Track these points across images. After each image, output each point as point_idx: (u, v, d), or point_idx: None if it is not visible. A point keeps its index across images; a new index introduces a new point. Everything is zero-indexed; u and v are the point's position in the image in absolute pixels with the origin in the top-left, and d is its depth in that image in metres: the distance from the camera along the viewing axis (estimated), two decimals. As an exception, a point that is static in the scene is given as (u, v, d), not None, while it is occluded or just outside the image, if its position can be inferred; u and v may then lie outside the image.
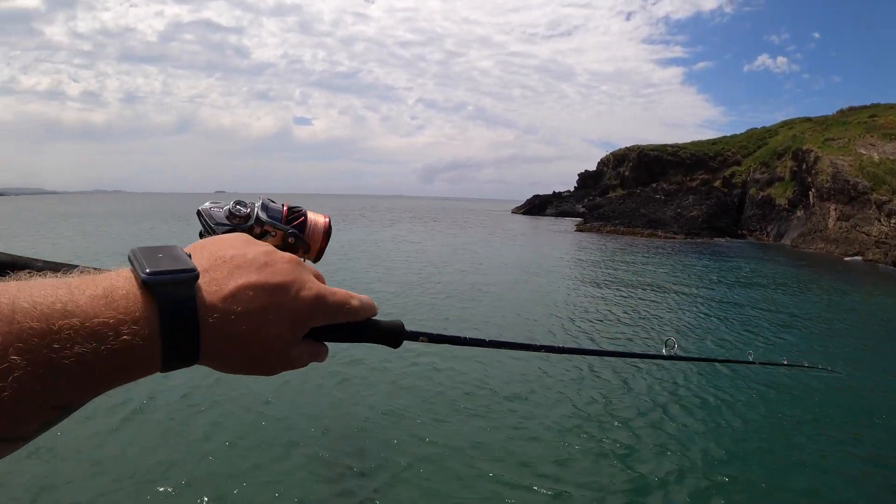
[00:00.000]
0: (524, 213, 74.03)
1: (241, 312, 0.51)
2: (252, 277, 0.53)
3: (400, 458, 5.48)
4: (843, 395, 7.26)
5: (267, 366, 0.55)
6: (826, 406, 6.90)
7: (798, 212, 39.70)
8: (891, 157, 33.98)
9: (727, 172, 52.73)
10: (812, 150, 39.09)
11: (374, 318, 0.66)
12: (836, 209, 34.09)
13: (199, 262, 0.52)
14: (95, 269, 0.55)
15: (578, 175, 72.09)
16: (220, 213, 0.71)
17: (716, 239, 40.74)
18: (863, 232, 31.42)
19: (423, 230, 42.59)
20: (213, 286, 0.51)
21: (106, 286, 0.47)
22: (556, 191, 75.60)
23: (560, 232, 44.21)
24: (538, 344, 0.76)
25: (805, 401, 7.02)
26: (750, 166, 49.94)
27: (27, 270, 0.50)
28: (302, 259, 0.62)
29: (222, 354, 0.52)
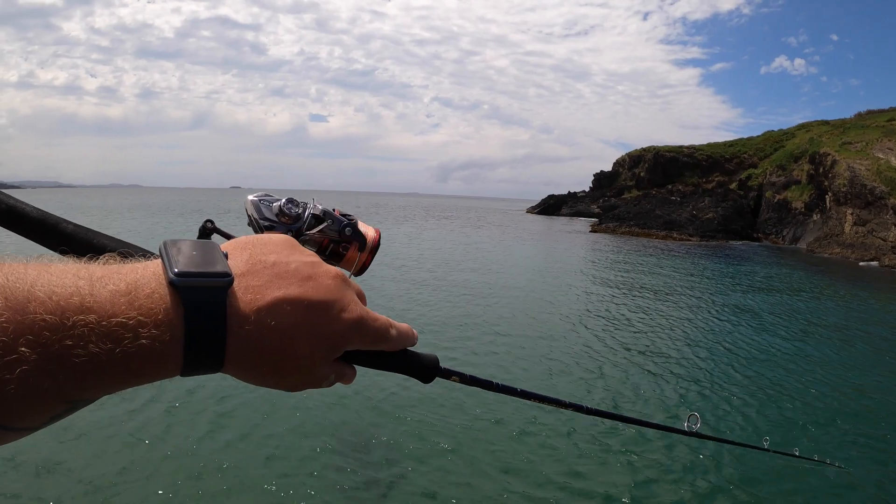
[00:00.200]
0: (539, 213, 74.47)
1: (275, 327, 0.48)
2: (292, 290, 0.50)
3: (407, 461, 5.55)
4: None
5: (291, 383, 0.53)
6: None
7: (814, 216, 39.75)
8: (909, 163, 33.98)
9: (743, 175, 52.74)
10: (829, 154, 39.12)
11: (410, 348, 0.63)
12: (852, 214, 34.18)
13: (235, 264, 0.49)
14: (122, 255, 0.51)
15: (594, 175, 72.36)
16: (270, 208, 0.67)
17: (731, 242, 40.92)
18: (879, 237, 31.53)
19: (437, 227, 43.18)
20: (248, 294, 0.48)
21: (130, 281, 0.44)
22: (572, 191, 75.92)
23: (574, 232, 44.71)
24: (566, 401, 0.75)
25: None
26: (766, 169, 49.92)
27: (88, 254, 0.49)
28: (348, 274, 0.60)
29: (247, 367, 0.49)
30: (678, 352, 10.15)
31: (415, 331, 0.63)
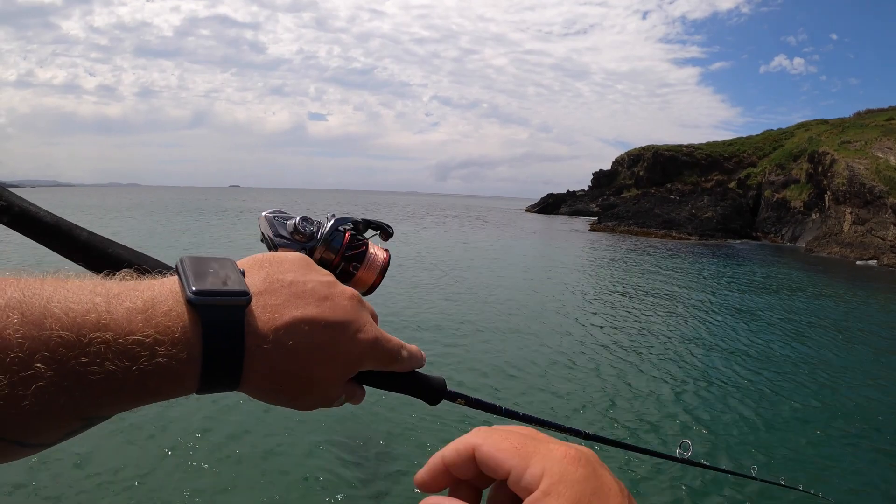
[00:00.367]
0: (538, 212, 74.43)
1: (292, 347, 0.48)
2: (310, 310, 0.50)
3: (406, 461, 5.57)
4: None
5: (304, 402, 0.53)
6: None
7: (813, 215, 39.81)
8: (908, 162, 34.01)
9: (742, 174, 52.78)
10: (828, 153, 39.14)
11: (419, 370, 0.64)
12: (851, 213, 34.22)
13: (253, 283, 0.49)
14: (139, 271, 0.50)
15: (593, 174, 72.38)
16: (284, 226, 0.67)
17: (730, 241, 40.93)
18: (878, 236, 31.56)
19: (435, 226, 43.14)
20: (266, 313, 0.48)
21: (147, 298, 0.43)
22: (571, 190, 75.94)
23: (573, 231, 44.72)
24: (565, 426, 0.77)
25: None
26: (765, 168, 49.96)
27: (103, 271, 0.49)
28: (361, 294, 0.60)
29: (263, 386, 0.49)
30: (676, 355, 10.10)
31: (423, 352, 0.63)
